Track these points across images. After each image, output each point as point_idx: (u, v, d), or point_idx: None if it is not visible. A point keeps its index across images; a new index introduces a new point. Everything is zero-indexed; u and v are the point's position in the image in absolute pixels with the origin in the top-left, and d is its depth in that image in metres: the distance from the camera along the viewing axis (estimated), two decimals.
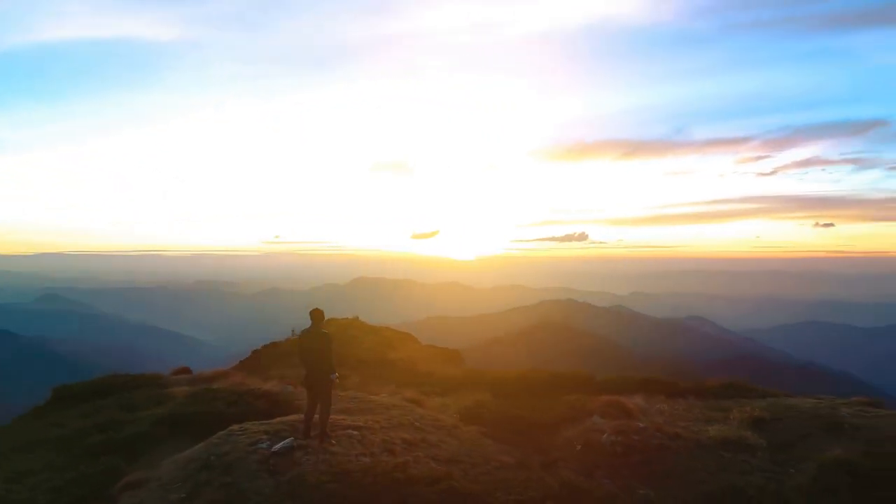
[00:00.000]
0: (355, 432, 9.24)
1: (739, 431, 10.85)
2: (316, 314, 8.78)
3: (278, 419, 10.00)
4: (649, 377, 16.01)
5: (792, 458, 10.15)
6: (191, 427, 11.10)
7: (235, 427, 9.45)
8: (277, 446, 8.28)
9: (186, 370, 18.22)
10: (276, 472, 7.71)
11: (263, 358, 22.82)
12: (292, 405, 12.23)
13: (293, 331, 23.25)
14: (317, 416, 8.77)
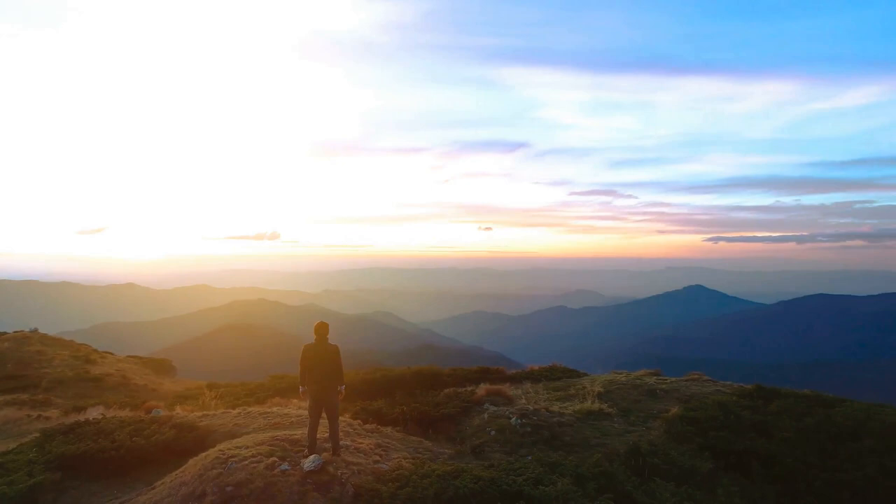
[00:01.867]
0: (326, 444, 9.29)
1: (596, 405, 13.84)
2: (322, 327, 8.62)
3: (253, 438, 9.29)
4: (484, 368, 18.42)
5: (638, 419, 13.49)
6: (95, 468, 9.43)
7: (215, 452, 8.57)
8: (308, 465, 7.96)
9: None
10: (326, 489, 7.54)
11: None
12: (198, 429, 11.14)
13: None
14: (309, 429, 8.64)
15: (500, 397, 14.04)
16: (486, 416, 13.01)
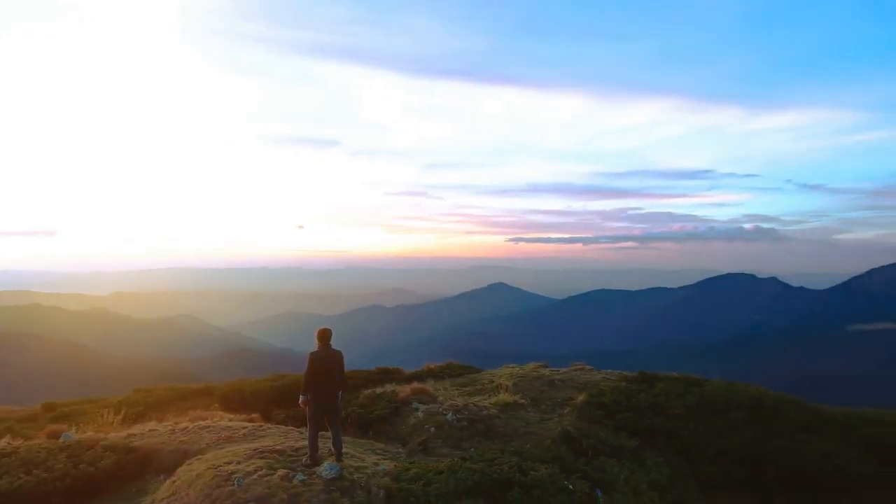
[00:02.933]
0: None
1: (511, 396, 15.11)
2: (326, 333, 8.52)
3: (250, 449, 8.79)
4: (385, 368, 18.80)
5: (548, 407, 15.00)
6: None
7: (207, 470, 8.04)
8: (328, 473, 7.84)
9: None
10: (354, 495, 7.57)
11: None
12: (137, 450, 10.18)
13: None
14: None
15: (425, 395, 14.65)
16: (420, 414, 13.54)
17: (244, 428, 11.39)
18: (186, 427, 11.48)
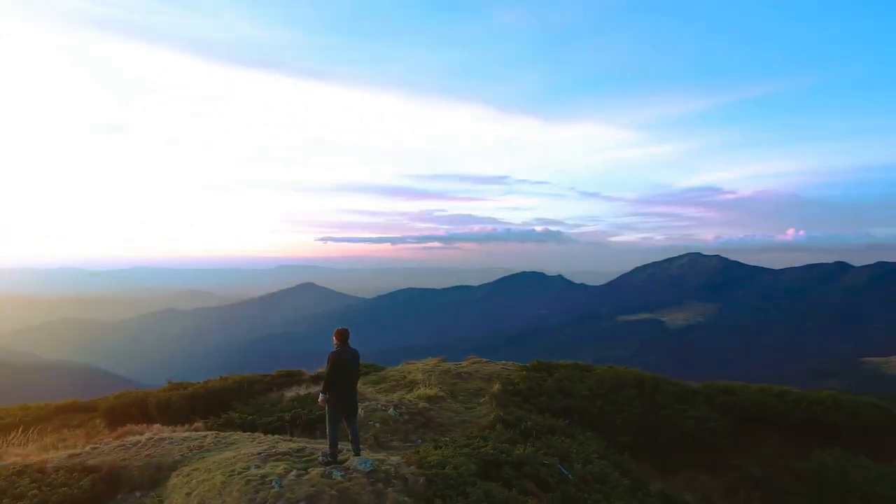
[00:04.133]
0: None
1: (433, 390, 16.05)
2: (345, 333, 8.72)
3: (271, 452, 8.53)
4: (288, 371, 18.46)
5: (465, 398, 16.24)
6: None
7: (233, 479, 7.84)
8: (365, 466, 8.08)
9: None
10: (394, 485, 7.97)
11: None
12: (100, 469, 9.33)
13: None
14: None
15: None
16: (360, 412, 13.88)
17: (204, 437, 10.90)
18: (138, 441, 10.64)
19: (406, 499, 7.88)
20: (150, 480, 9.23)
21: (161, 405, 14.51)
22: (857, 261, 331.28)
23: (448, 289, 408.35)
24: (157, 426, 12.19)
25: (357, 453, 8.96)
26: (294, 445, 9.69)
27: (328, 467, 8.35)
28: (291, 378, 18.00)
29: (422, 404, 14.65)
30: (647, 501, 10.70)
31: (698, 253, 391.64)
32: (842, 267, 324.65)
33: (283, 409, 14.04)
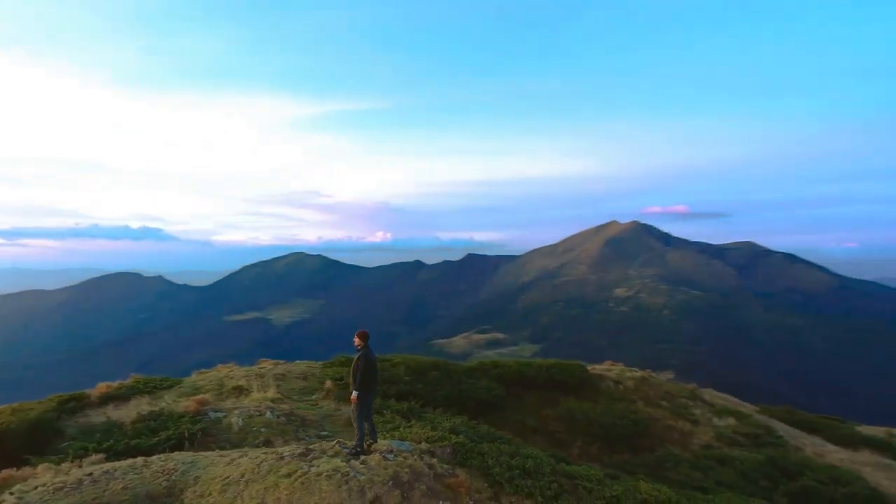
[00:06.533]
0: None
1: (272, 392, 16.27)
2: (367, 334, 9.63)
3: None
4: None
5: (300, 396, 16.92)
6: None
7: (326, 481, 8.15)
8: (406, 447, 9.19)
9: None
10: (432, 456, 9.40)
11: None
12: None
13: None
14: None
15: (208, 406, 14.35)
16: (237, 419, 13.63)
17: (145, 463, 9.83)
18: (79, 479, 8.95)
19: (445, 465, 9.65)
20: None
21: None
22: (429, 260, 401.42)
23: (15, 294, 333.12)
24: (42, 465, 10.00)
25: (375, 441, 10.06)
26: (297, 449, 9.97)
27: (365, 456, 9.38)
28: (81, 402, 15.47)
29: (283, 406, 15.07)
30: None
31: (303, 252, 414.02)
32: (418, 265, 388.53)
33: (145, 429, 12.68)
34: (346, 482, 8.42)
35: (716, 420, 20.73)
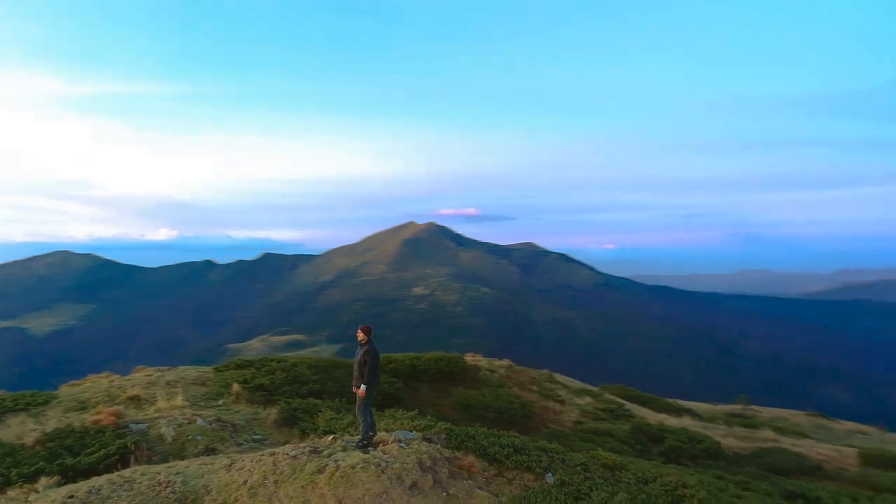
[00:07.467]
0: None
1: (180, 401, 14.95)
2: (371, 329, 9.79)
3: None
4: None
5: (206, 401, 15.69)
6: None
7: (326, 478, 8.16)
8: (412, 436, 9.42)
9: None
10: (431, 441, 9.79)
11: None
12: None
13: None
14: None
15: (126, 419, 12.85)
16: (168, 430, 12.48)
17: (134, 472, 8.84)
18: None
19: (445, 449, 10.23)
20: None
21: None
22: (221, 259, 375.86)
23: None
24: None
25: (375, 433, 10.23)
26: (305, 447, 9.71)
27: (372, 448, 9.62)
28: None
29: (206, 412, 14.07)
30: None
31: (68, 251, 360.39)
32: (209, 265, 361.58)
33: (59, 448, 11.06)
34: (383, 471, 8.62)
35: (576, 399, 23.71)
